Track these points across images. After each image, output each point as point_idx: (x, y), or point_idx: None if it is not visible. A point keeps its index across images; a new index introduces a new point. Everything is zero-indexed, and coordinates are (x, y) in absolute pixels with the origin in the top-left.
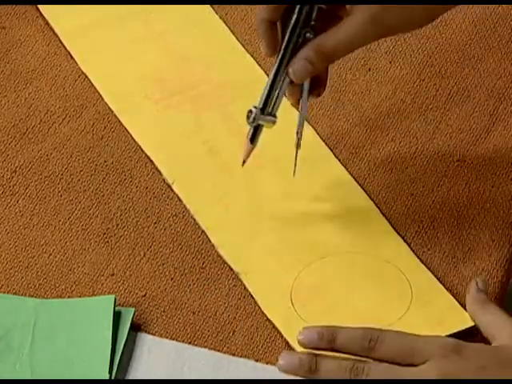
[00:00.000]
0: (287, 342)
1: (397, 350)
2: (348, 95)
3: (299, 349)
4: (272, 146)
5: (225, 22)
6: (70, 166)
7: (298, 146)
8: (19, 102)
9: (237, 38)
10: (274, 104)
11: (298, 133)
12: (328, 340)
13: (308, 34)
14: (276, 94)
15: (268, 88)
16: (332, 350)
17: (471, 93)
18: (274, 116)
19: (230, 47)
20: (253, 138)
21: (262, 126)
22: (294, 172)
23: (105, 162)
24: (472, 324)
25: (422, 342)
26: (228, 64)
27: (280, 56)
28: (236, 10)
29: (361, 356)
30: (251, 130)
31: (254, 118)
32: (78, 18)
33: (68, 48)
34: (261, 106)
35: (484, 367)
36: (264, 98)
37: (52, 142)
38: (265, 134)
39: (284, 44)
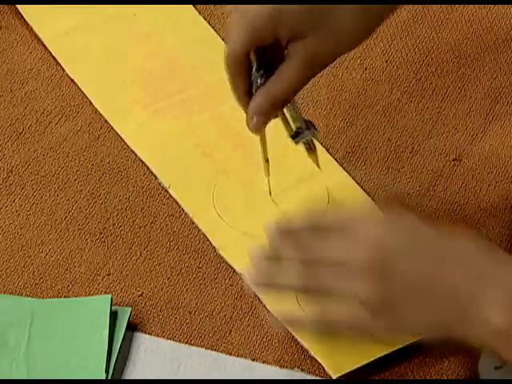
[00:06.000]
0: (284, 342)
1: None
2: (344, 94)
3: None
4: (268, 146)
5: (208, 23)
6: (66, 165)
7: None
8: (15, 101)
9: (221, 38)
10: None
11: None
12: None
13: (259, 80)
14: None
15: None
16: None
17: (467, 92)
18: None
19: (215, 47)
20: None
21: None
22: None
23: (101, 161)
24: None
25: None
26: (215, 64)
27: None
28: (219, 9)
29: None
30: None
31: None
32: (62, 23)
33: (53, 54)
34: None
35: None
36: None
37: (48, 141)
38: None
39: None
